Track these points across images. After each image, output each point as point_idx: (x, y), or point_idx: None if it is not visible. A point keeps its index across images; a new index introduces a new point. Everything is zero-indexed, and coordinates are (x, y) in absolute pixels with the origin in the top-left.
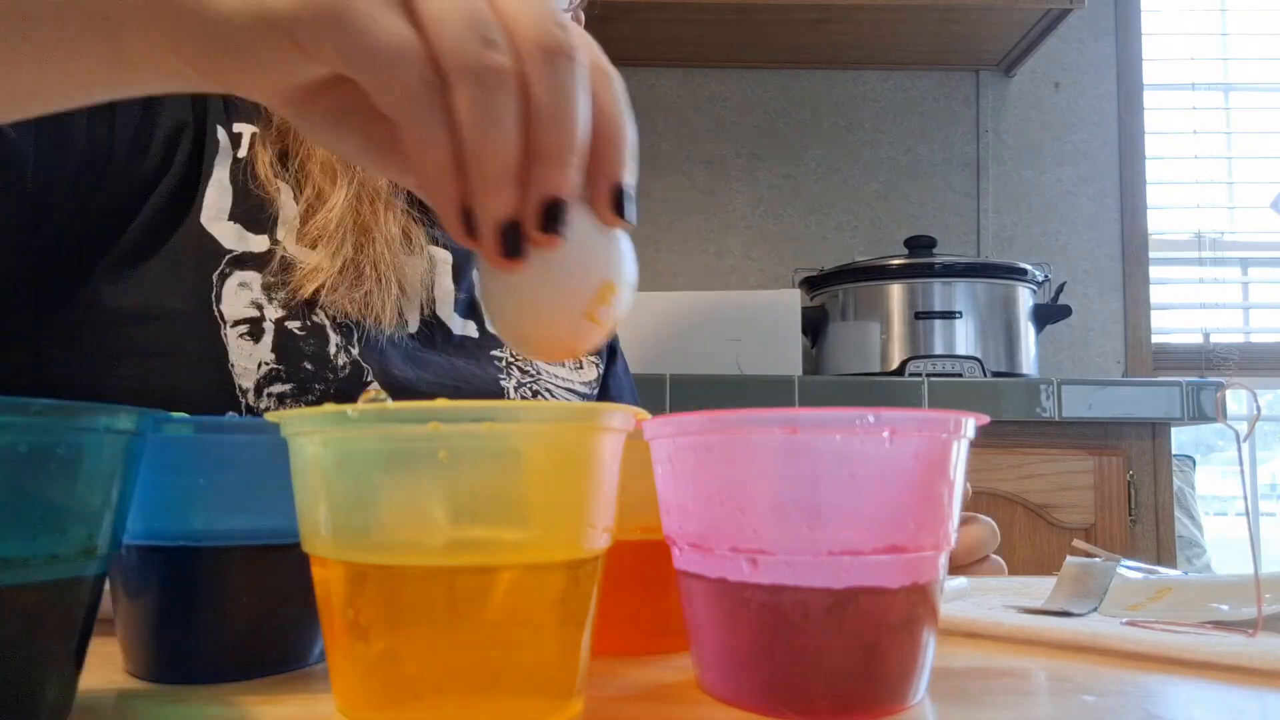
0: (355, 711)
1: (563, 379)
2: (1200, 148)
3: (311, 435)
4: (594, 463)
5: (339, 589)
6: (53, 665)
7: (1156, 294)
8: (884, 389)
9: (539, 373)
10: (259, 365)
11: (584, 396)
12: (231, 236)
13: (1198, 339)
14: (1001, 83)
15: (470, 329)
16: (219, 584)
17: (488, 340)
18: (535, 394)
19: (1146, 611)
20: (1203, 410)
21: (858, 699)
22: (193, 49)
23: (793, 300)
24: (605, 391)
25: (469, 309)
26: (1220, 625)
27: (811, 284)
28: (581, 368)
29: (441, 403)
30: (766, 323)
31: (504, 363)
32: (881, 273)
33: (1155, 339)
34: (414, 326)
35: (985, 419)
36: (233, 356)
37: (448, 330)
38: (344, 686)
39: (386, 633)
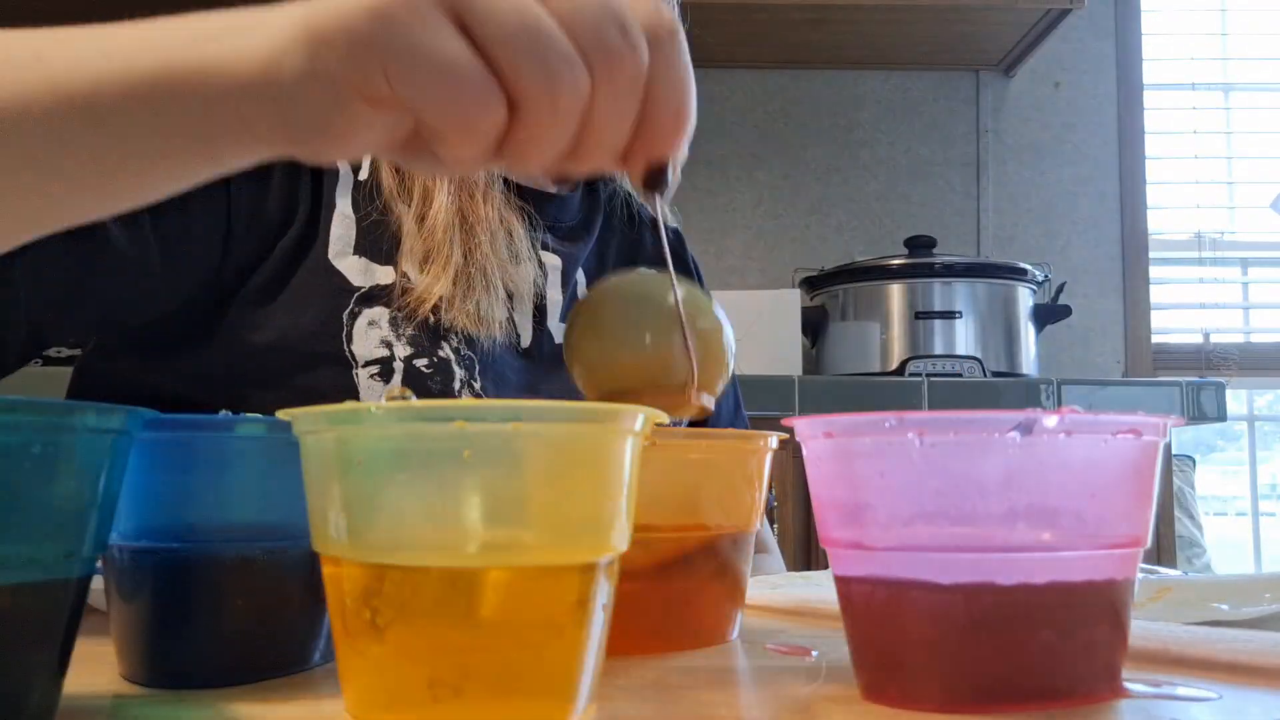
0: (368, 713)
1: None
2: (1200, 148)
3: (326, 434)
4: (616, 464)
5: (354, 589)
6: (34, 669)
7: (1156, 294)
8: (884, 389)
9: None
10: None
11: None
12: (358, 272)
13: (1198, 339)
14: (1001, 83)
15: None
16: (215, 587)
17: None
18: None
19: (1146, 611)
20: (1203, 410)
21: (1058, 690)
22: (281, 136)
23: (793, 300)
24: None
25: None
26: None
27: (811, 284)
28: None
29: (466, 401)
30: (766, 323)
31: None
32: (881, 273)
33: (1155, 339)
34: (528, 340)
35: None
36: (364, 397)
37: (554, 341)
38: (356, 687)
39: (406, 633)
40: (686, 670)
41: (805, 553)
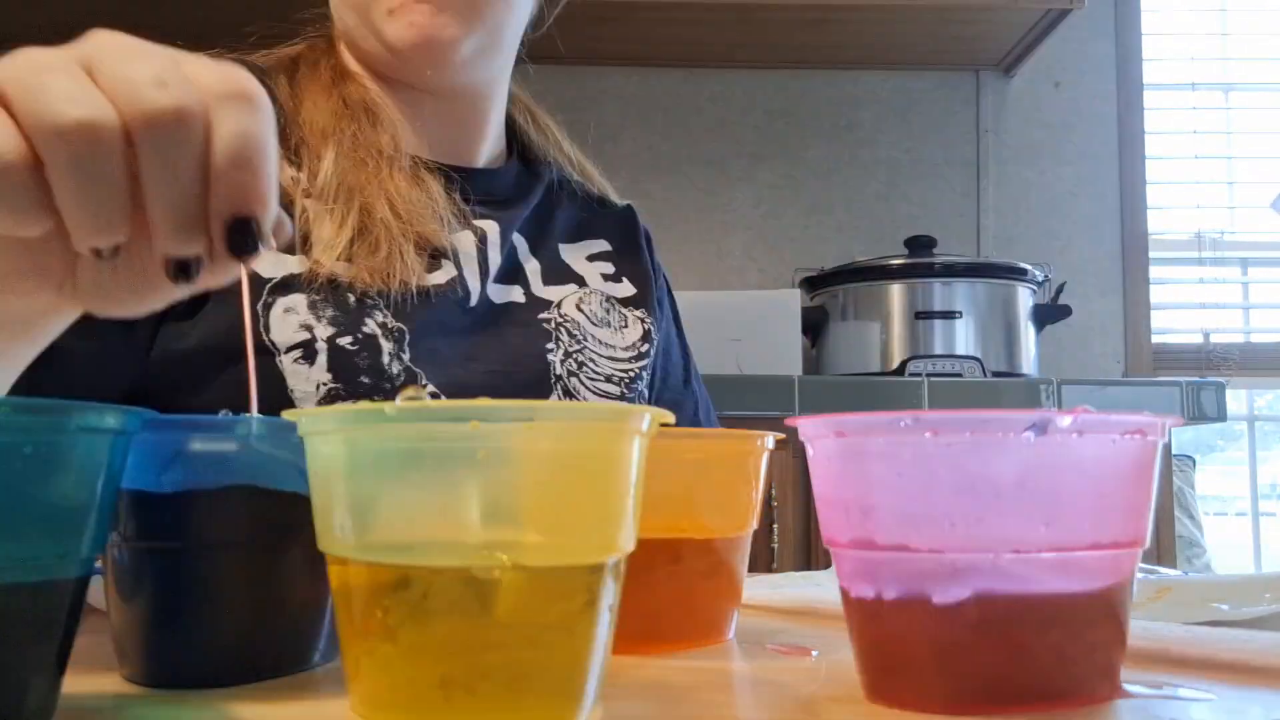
0: (378, 713)
1: (605, 343)
2: (1200, 148)
3: (335, 435)
4: (625, 464)
5: (364, 589)
6: (32, 669)
7: (1156, 294)
8: (884, 389)
9: (585, 339)
10: (318, 387)
11: (627, 361)
12: (268, 265)
13: (1198, 339)
14: (1001, 83)
15: (517, 294)
16: (215, 587)
17: (534, 304)
18: (581, 365)
19: (1146, 611)
20: (1203, 410)
21: (1062, 691)
22: None
23: (793, 300)
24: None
25: (512, 276)
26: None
27: (811, 284)
28: (627, 326)
29: (481, 402)
30: (766, 323)
31: (552, 324)
32: (881, 273)
33: (1155, 339)
34: (476, 299)
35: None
36: (291, 383)
37: (492, 303)
38: (365, 687)
39: (417, 633)
40: (687, 670)
41: (805, 553)
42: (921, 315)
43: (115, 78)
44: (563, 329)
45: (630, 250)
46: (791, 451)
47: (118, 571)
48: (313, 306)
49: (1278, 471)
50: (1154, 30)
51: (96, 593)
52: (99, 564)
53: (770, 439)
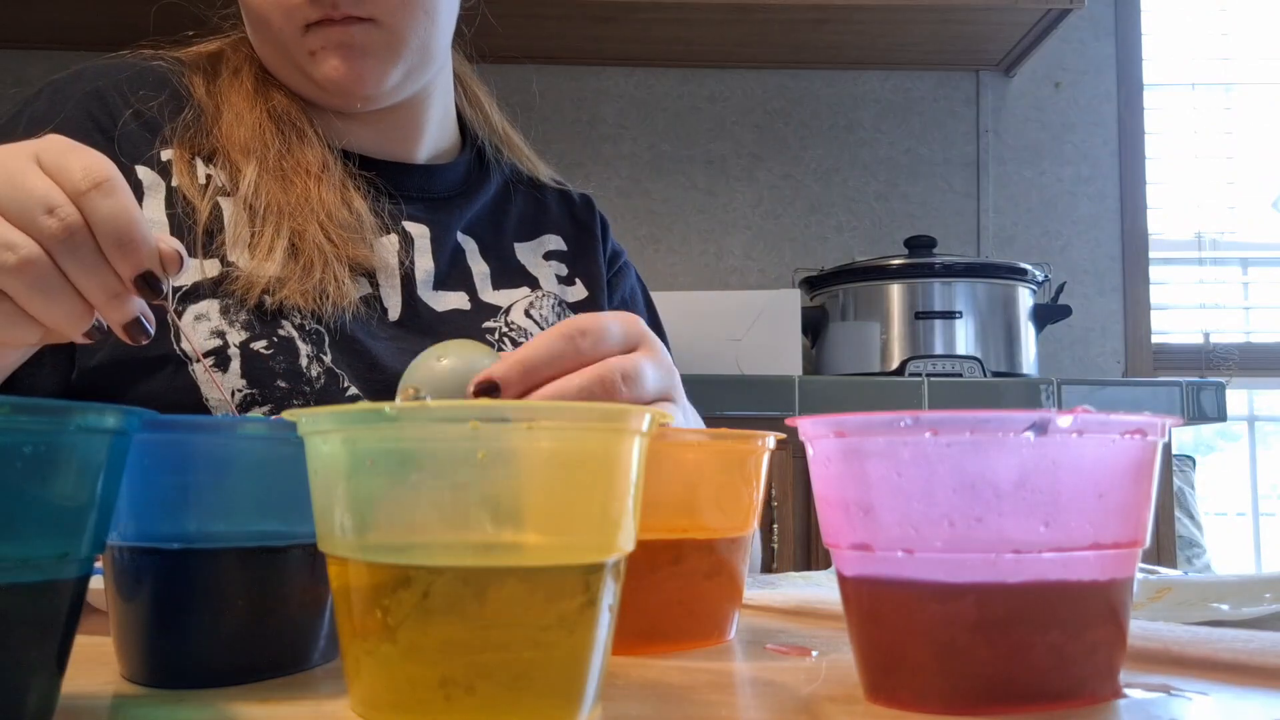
0: (377, 713)
1: None
2: (1200, 147)
3: (335, 435)
4: (626, 464)
5: (364, 589)
6: (31, 669)
7: (1156, 294)
8: (884, 389)
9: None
10: (233, 394)
11: None
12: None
13: (1198, 339)
14: (1001, 83)
15: (461, 300)
16: (215, 587)
17: (480, 311)
18: None
19: (1146, 612)
20: (1203, 410)
21: (1062, 691)
22: None
23: (793, 300)
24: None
25: (456, 281)
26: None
27: (811, 284)
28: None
29: (481, 402)
30: (766, 323)
31: (496, 333)
32: (881, 273)
33: (1155, 339)
34: (396, 313)
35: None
36: (205, 391)
37: (430, 310)
38: (364, 687)
39: (418, 633)
40: (687, 670)
41: (805, 553)
42: (921, 315)
43: (21, 215)
44: (507, 339)
45: (585, 247)
46: (791, 451)
47: (118, 571)
48: (225, 311)
49: (1278, 471)
50: (1154, 30)
51: (97, 593)
52: (99, 564)
53: (770, 439)
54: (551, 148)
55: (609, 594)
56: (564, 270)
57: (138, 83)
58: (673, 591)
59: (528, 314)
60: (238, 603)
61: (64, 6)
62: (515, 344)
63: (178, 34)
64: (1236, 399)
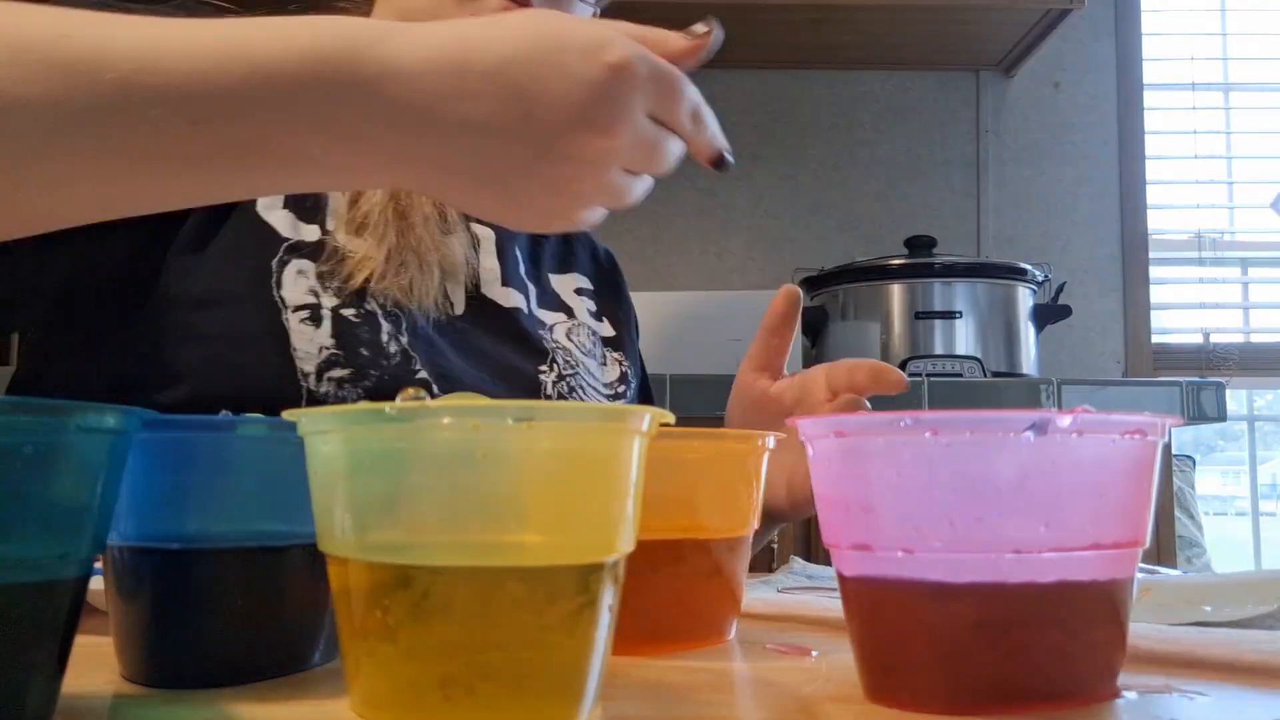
0: (377, 713)
1: (594, 375)
2: (1200, 148)
3: (335, 434)
4: (626, 464)
5: (364, 589)
6: (31, 670)
7: (1156, 294)
8: None
9: (577, 366)
10: (320, 350)
11: (610, 397)
12: (286, 225)
13: (1198, 339)
14: (1001, 83)
15: (518, 299)
16: (215, 587)
17: (535, 321)
18: (571, 389)
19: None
20: (1203, 410)
21: (1062, 691)
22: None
23: None
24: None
25: (517, 281)
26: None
27: (811, 284)
28: (606, 365)
29: (481, 402)
30: None
31: (549, 345)
32: (881, 273)
33: (1155, 339)
34: (460, 308)
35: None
36: (294, 340)
37: (496, 306)
38: (364, 687)
39: (418, 633)
40: (686, 670)
41: (805, 553)
42: (921, 315)
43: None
44: (558, 352)
45: (610, 293)
46: None
47: (118, 571)
48: (321, 276)
49: (1278, 471)
50: (1154, 30)
51: (97, 593)
52: (99, 564)
53: (770, 439)
54: None
55: (609, 594)
56: (593, 306)
57: None
58: (673, 592)
59: (569, 337)
60: (238, 603)
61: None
62: (565, 360)
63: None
64: (1236, 399)
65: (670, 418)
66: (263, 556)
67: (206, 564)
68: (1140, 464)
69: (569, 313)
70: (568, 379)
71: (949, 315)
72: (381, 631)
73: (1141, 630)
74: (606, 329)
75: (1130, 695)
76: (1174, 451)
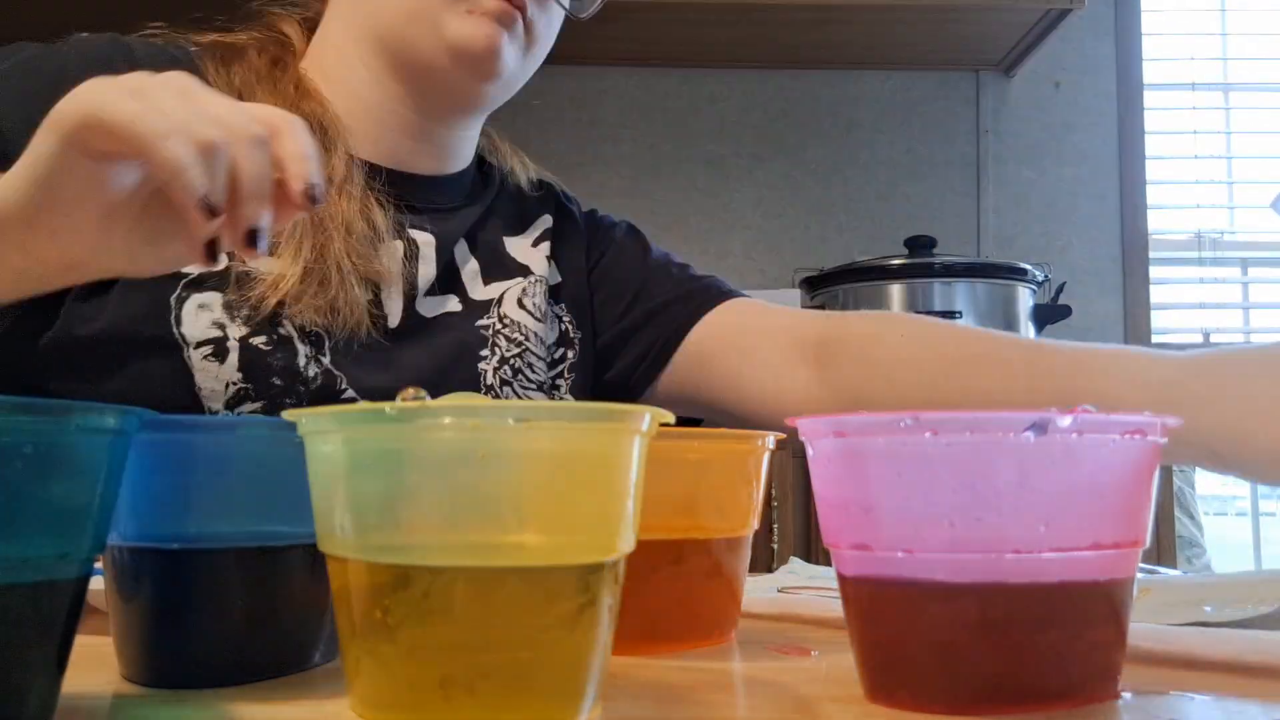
0: (377, 713)
1: (541, 344)
2: (1200, 148)
3: (335, 435)
4: (626, 464)
5: (364, 589)
6: (31, 670)
7: (1156, 294)
8: None
9: (526, 339)
10: (226, 385)
11: (552, 364)
12: None
13: (1198, 339)
14: (1001, 83)
15: (452, 303)
16: (215, 587)
17: (472, 311)
18: (516, 372)
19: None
20: None
21: (1062, 691)
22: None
23: (793, 300)
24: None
25: (448, 283)
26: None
27: (811, 284)
28: (547, 322)
29: (480, 401)
30: None
31: (491, 329)
32: (881, 273)
33: (1155, 339)
34: (396, 320)
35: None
36: (199, 379)
37: (422, 317)
38: (364, 687)
39: (418, 633)
40: (687, 670)
41: (805, 553)
42: (922, 315)
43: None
44: (501, 335)
45: (569, 231)
46: (791, 451)
47: (118, 571)
48: (228, 307)
49: None
50: (1154, 30)
51: (97, 593)
52: (99, 564)
53: (770, 439)
54: (551, 148)
55: (609, 594)
56: (548, 249)
57: (155, 58)
58: (673, 592)
59: (520, 304)
60: (238, 603)
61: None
62: (509, 340)
63: (193, 15)
64: None
65: (670, 418)
66: (263, 556)
67: (206, 564)
68: (1140, 464)
69: (524, 272)
70: (510, 361)
71: (949, 315)
72: (381, 631)
73: (1142, 630)
74: (556, 274)
75: (1130, 695)
76: None
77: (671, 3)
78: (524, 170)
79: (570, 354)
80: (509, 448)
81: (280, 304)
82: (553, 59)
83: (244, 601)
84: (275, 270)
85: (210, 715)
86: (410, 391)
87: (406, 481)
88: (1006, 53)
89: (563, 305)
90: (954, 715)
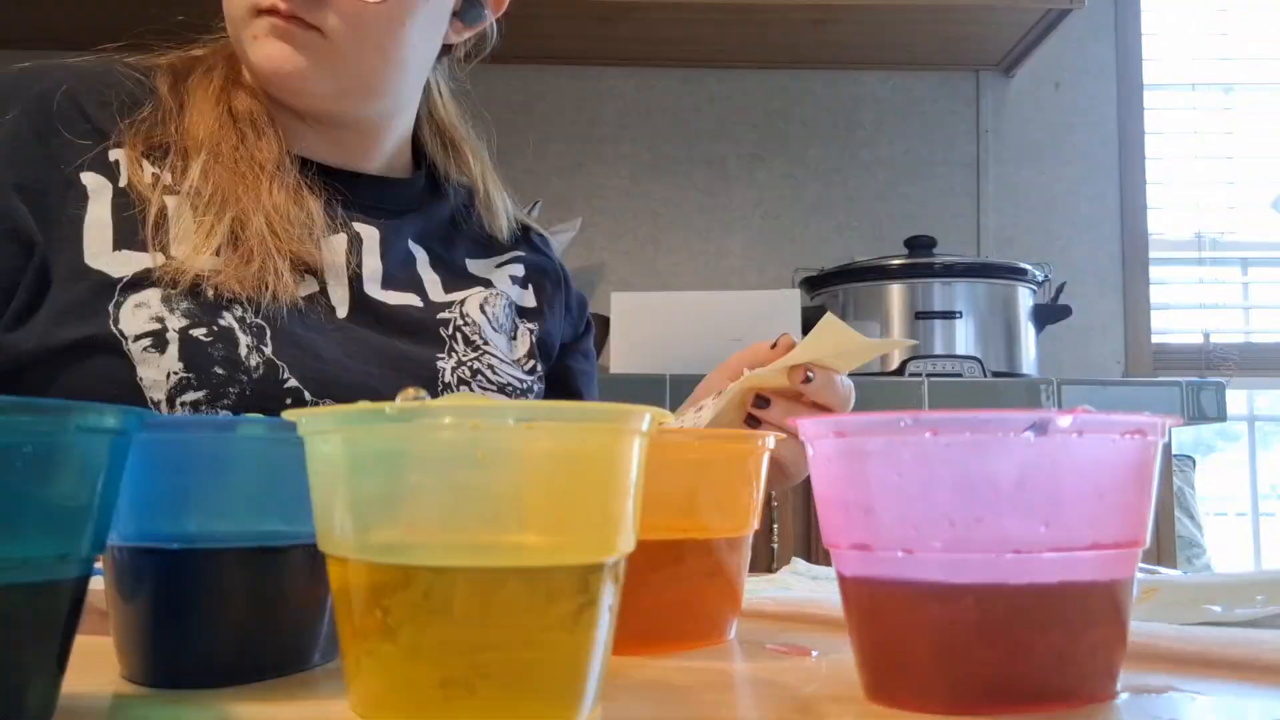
0: (377, 713)
1: (503, 352)
2: (1200, 148)
3: (335, 435)
4: (626, 464)
5: (364, 589)
6: (30, 670)
7: (1156, 294)
8: (884, 389)
9: (484, 343)
10: (168, 375)
11: (522, 372)
12: (118, 264)
13: (1198, 339)
14: (1001, 83)
15: (412, 299)
16: (215, 587)
17: (431, 307)
18: (475, 372)
19: (1134, 613)
20: (1203, 410)
21: (1062, 691)
22: None
23: (793, 300)
24: (564, 378)
25: (405, 283)
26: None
27: (811, 284)
28: (516, 339)
29: (480, 402)
30: (766, 323)
31: (449, 329)
32: (881, 273)
33: (1155, 339)
34: (344, 310)
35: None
36: (140, 371)
37: (381, 304)
38: (364, 687)
39: (418, 633)
40: (687, 670)
41: (805, 553)
42: (921, 315)
43: None
44: (459, 334)
45: (541, 271)
46: None
47: (118, 571)
48: (166, 301)
49: (1278, 471)
50: (1154, 30)
51: (97, 593)
52: (99, 564)
53: (770, 439)
54: (551, 148)
55: (609, 594)
56: (519, 273)
57: (92, 84)
58: (673, 592)
59: (481, 309)
60: (238, 603)
61: (60, 6)
62: (467, 339)
63: (170, 35)
64: (1236, 399)
65: (670, 417)
66: (263, 556)
67: (206, 564)
68: (1140, 464)
69: (486, 284)
70: (468, 363)
71: (949, 315)
72: (381, 631)
73: (1156, 629)
74: (530, 298)
75: (1130, 695)
76: (1174, 452)
77: (671, 3)
78: (503, 206)
79: (538, 365)
80: (509, 448)
81: (205, 282)
82: (553, 59)
83: (244, 601)
84: (190, 250)
85: (210, 715)
86: (410, 391)
87: (407, 481)
88: (1006, 53)
89: (535, 322)
90: (954, 715)
